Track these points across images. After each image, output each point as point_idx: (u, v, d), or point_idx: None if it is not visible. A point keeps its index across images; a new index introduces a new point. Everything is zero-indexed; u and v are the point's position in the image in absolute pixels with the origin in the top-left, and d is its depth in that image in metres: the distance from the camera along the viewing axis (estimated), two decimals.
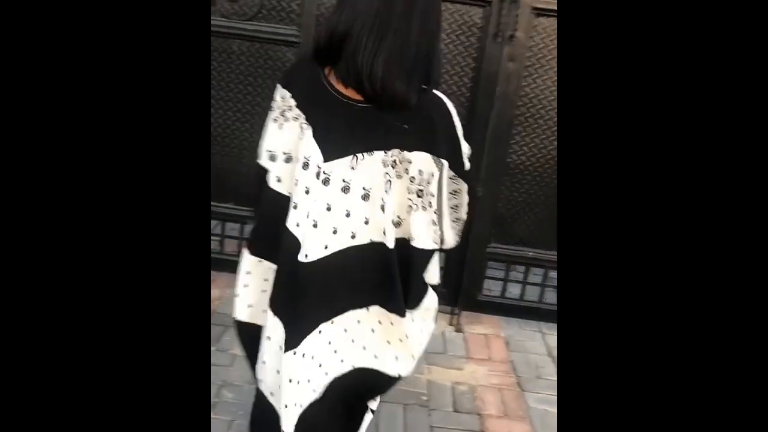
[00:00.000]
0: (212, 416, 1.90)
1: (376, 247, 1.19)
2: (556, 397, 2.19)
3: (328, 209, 1.17)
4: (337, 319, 1.25)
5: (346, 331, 1.26)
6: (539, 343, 2.55)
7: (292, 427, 1.26)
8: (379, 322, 1.27)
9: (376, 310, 1.26)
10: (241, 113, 2.63)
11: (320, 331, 1.24)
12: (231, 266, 2.78)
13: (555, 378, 2.32)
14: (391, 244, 1.18)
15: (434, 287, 1.35)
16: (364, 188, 1.15)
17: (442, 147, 1.16)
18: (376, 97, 1.10)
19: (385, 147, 1.13)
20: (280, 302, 1.25)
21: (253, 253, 1.33)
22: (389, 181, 1.14)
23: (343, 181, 1.15)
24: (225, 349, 2.24)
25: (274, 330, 1.26)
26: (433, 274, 1.34)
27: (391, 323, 1.27)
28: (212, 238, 2.84)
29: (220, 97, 2.61)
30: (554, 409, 2.12)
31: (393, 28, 1.07)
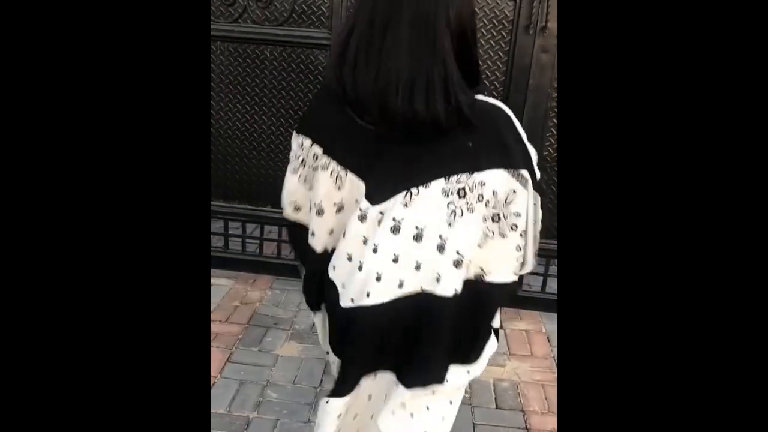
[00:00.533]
0: (257, 415, 1.93)
1: (426, 299, 1.02)
2: None
3: (375, 251, 1.01)
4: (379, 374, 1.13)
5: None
6: None
7: None
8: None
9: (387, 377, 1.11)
10: (276, 118, 2.67)
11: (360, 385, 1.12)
12: (270, 268, 2.85)
13: None
14: (446, 291, 1.00)
15: (495, 331, 1.19)
16: (417, 227, 0.99)
17: (518, 157, 0.98)
18: (397, 124, 0.94)
19: (447, 173, 0.96)
20: (334, 344, 1.18)
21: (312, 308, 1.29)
22: (454, 212, 0.97)
23: (394, 220, 0.99)
24: (268, 350, 2.27)
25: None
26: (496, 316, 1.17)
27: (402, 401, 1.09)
28: (251, 241, 2.89)
29: (254, 103, 2.65)
30: None
31: (381, 46, 0.93)
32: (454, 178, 0.97)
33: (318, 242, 1.11)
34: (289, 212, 1.18)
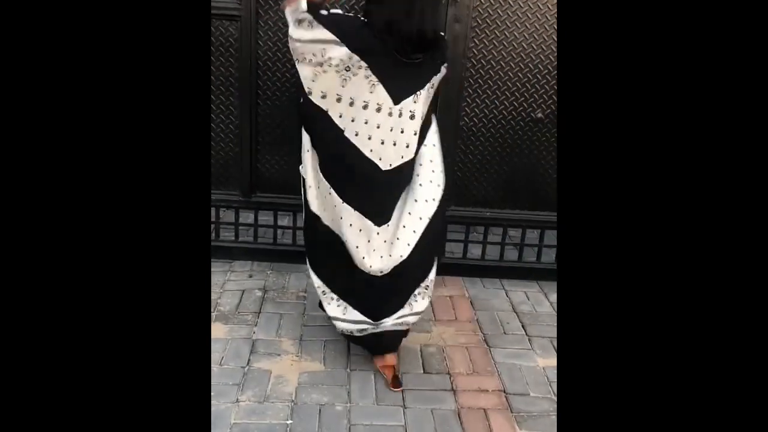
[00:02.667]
0: None
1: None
2: (522, 351, 2.27)
3: (402, 132, 1.80)
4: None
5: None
6: (503, 300, 2.62)
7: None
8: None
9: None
10: None
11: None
12: None
13: (521, 332, 2.39)
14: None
15: None
16: (417, 112, 1.82)
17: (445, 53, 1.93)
18: (428, 45, 1.75)
19: (429, 77, 1.82)
20: (361, 199, 1.84)
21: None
22: (429, 97, 1.87)
23: (410, 111, 1.79)
24: None
25: (352, 217, 1.84)
26: None
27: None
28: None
29: None
30: (521, 363, 2.19)
31: None
32: (433, 79, 1.83)
33: (342, 122, 1.77)
34: (317, 99, 1.76)
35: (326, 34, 1.67)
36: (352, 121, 1.75)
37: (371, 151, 1.78)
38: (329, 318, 2.03)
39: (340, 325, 1.99)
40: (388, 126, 1.76)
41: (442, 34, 1.72)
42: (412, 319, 2.01)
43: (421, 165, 1.91)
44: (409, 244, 1.89)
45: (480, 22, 2.43)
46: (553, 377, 2.12)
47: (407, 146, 1.82)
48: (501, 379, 2.10)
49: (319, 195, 1.88)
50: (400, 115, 1.77)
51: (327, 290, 1.99)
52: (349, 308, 1.96)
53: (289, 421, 1.84)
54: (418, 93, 1.77)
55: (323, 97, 1.74)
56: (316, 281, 2.01)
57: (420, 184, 1.91)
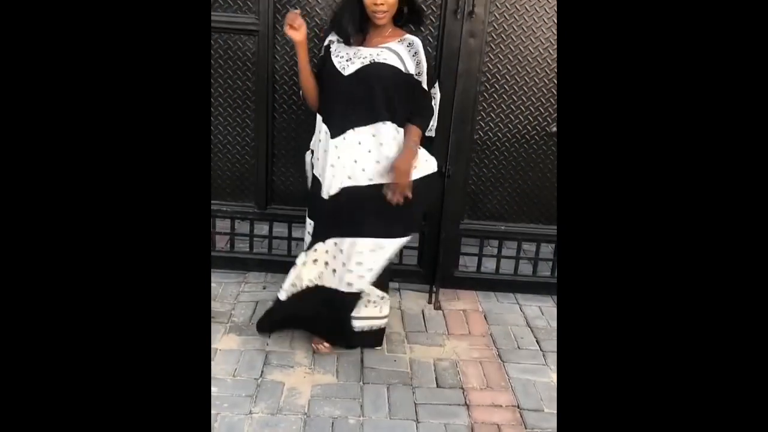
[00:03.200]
0: None
1: None
2: (536, 366, 2.25)
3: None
4: None
5: None
6: (517, 315, 2.60)
7: None
8: None
9: None
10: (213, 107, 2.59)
11: None
12: None
13: (535, 347, 2.37)
14: None
15: None
16: None
17: None
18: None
19: None
20: None
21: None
22: None
23: None
24: None
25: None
26: None
27: None
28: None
29: None
30: (535, 378, 2.17)
31: None
32: None
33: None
34: None
35: None
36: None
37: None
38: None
39: None
40: None
41: None
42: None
43: None
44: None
45: (495, 36, 2.44)
46: None
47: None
48: (515, 394, 2.08)
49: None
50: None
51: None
52: None
53: None
54: None
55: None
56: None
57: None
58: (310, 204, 2.16)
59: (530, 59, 2.48)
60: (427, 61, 1.96)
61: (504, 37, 2.45)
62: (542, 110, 2.55)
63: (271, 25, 2.43)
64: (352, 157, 1.96)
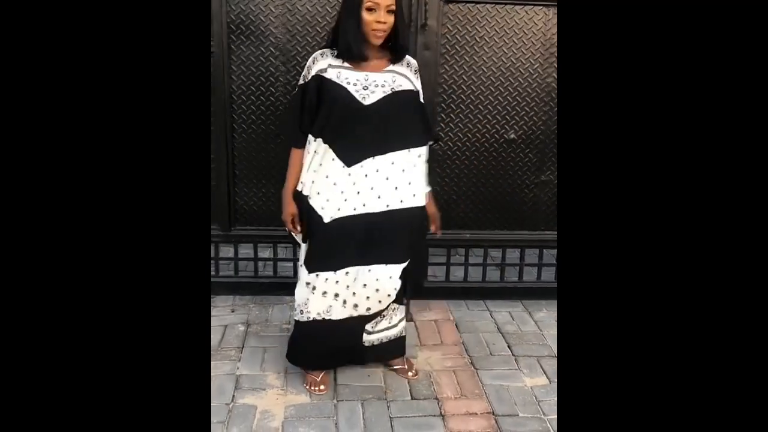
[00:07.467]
0: None
1: None
2: (508, 371, 2.26)
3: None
4: None
5: None
6: (488, 322, 2.61)
7: None
8: None
9: None
10: None
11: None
12: None
13: (507, 353, 2.38)
14: None
15: None
16: None
17: None
18: None
19: None
20: None
21: None
22: None
23: None
24: None
25: None
26: None
27: None
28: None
29: None
30: (508, 383, 2.18)
31: None
32: None
33: None
34: None
35: None
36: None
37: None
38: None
39: None
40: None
41: None
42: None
43: None
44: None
45: (449, 48, 2.48)
46: (541, 396, 2.11)
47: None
48: (489, 401, 2.09)
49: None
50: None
51: None
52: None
53: None
54: None
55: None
56: None
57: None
58: (310, 231, 2.00)
59: (485, 68, 2.52)
60: None
61: (458, 48, 2.49)
62: (499, 118, 2.59)
63: (225, 46, 2.42)
64: (369, 185, 1.91)
